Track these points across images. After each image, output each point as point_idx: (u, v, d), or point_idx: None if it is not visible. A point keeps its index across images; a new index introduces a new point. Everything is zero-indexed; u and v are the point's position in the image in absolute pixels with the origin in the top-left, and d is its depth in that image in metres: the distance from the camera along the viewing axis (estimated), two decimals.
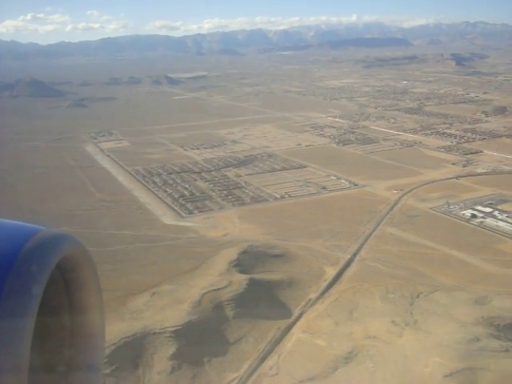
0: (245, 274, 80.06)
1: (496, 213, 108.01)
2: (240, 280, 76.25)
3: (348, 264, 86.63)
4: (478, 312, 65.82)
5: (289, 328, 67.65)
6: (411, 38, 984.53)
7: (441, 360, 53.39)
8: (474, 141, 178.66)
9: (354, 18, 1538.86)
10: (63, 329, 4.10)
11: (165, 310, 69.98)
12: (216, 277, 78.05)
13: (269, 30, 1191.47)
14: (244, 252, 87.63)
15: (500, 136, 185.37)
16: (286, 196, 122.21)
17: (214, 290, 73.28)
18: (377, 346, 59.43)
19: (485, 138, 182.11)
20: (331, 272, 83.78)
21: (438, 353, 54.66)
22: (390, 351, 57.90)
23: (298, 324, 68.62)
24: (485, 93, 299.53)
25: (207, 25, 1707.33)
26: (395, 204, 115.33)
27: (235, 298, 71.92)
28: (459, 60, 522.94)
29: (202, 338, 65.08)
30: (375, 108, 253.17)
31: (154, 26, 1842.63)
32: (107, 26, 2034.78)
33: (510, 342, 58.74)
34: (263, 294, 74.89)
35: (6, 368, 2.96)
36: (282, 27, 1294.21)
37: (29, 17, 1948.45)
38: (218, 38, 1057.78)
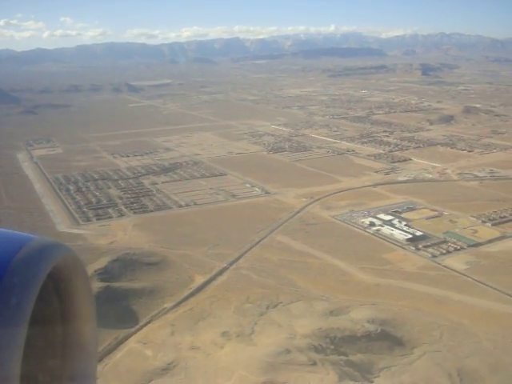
0: (106, 282, 77.20)
1: (396, 221, 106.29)
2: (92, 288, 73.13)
3: (220, 273, 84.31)
4: (320, 323, 63.54)
5: (126, 337, 64.85)
6: (388, 49, 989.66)
7: (245, 373, 50.83)
8: (407, 149, 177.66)
9: (332, 28, 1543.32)
10: (55, 339, 3.96)
11: None
12: None
13: (246, 39, 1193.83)
14: (116, 260, 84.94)
15: (435, 144, 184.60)
16: (192, 204, 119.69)
17: None
18: (196, 357, 56.78)
19: (419, 146, 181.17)
20: (200, 281, 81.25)
21: (246, 366, 52.09)
22: (206, 363, 55.25)
23: (138, 334, 65.82)
24: (438, 102, 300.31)
25: (186, 33, 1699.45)
26: (298, 212, 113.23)
27: None
28: (426, 70, 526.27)
29: None
30: (323, 116, 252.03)
31: (132, 33, 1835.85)
32: (84, 33, 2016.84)
33: (335, 355, 56.40)
34: (115, 303, 72.03)
35: None
36: (260, 36, 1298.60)
37: (1, 23, 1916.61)
38: (194, 46, 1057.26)
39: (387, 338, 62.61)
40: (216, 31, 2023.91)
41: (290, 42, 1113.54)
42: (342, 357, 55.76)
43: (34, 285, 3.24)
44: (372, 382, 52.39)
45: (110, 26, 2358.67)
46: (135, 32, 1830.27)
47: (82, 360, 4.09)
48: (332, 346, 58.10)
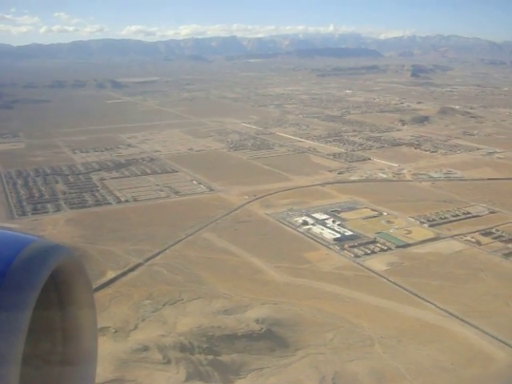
0: None
1: (330, 220, 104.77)
2: None
3: (134, 268, 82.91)
4: (203, 321, 62.17)
5: None
6: (385, 50, 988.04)
7: (99, 369, 48.99)
8: (370, 149, 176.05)
9: (331, 28, 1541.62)
10: (55, 347, 3.94)
11: None
12: None
13: (244, 37, 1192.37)
14: None
15: (400, 144, 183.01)
16: (132, 200, 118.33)
17: None
18: None
19: (383, 146, 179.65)
20: (110, 276, 79.88)
21: (102, 362, 50.70)
22: None
23: None
24: (419, 102, 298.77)
25: (184, 31, 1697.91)
26: (235, 209, 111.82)
27: None
28: (417, 71, 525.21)
29: None
30: (296, 115, 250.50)
31: (130, 30, 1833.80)
32: (82, 29, 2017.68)
33: (203, 354, 55.01)
34: None
35: None
36: (259, 35, 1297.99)
37: None
38: (191, 44, 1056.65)
39: (271, 339, 61.24)
40: (214, 29, 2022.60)
41: (288, 42, 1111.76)
42: (210, 356, 54.36)
43: (35, 286, 3.16)
44: (232, 382, 50.90)
45: (107, 22, 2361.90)
46: (133, 29, 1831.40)
47: (81, 366, 3.99)
48: (206, 345, 56.71)
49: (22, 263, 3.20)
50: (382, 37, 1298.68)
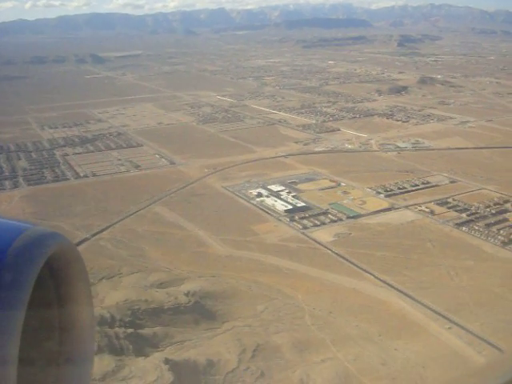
0: None
1: (284, 192, 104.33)
2: None
3: (79, 243, 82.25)
4: (131, 295, 62.17)
5: None
6: (376, 20, 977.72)
7: None
8: (342, 119, 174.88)
9: None
10: (52, 325, 3.81)
11: None
12: None
13: (233, 9, 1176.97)
14: None
15: (373, 115, 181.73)
16: (90, 175, 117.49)
17: None
18: None
19: (355, 117, 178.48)
20: None
21: None
22: None
23: None
24: (400, 72, 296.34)
25: (173, 3, 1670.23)
26: (193, 183, 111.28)
27: None
28: (405, 41, 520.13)
29: None
30: (273, 87, 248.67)
31: (118, 3, 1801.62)
32: (68, 3, 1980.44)
33: (124, 327, 55.06)
34: None
35: None
36: (248, 7, 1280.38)
37: None
38: (179, 17, 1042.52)
39: (198, 311, 61.25)
40: (203, 1, 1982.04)
41: (278, 13, 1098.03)
42: (130, 329, 54.30)
43: (30, 274, 3.11)
44: (147, 355, 51.00)
45: None
46: (120, 2, 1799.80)
47: (79, 347, 3.86)
48: (129, 318, 56.73)
49: (17, 251, 3.08)
50: (374, 7, 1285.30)
